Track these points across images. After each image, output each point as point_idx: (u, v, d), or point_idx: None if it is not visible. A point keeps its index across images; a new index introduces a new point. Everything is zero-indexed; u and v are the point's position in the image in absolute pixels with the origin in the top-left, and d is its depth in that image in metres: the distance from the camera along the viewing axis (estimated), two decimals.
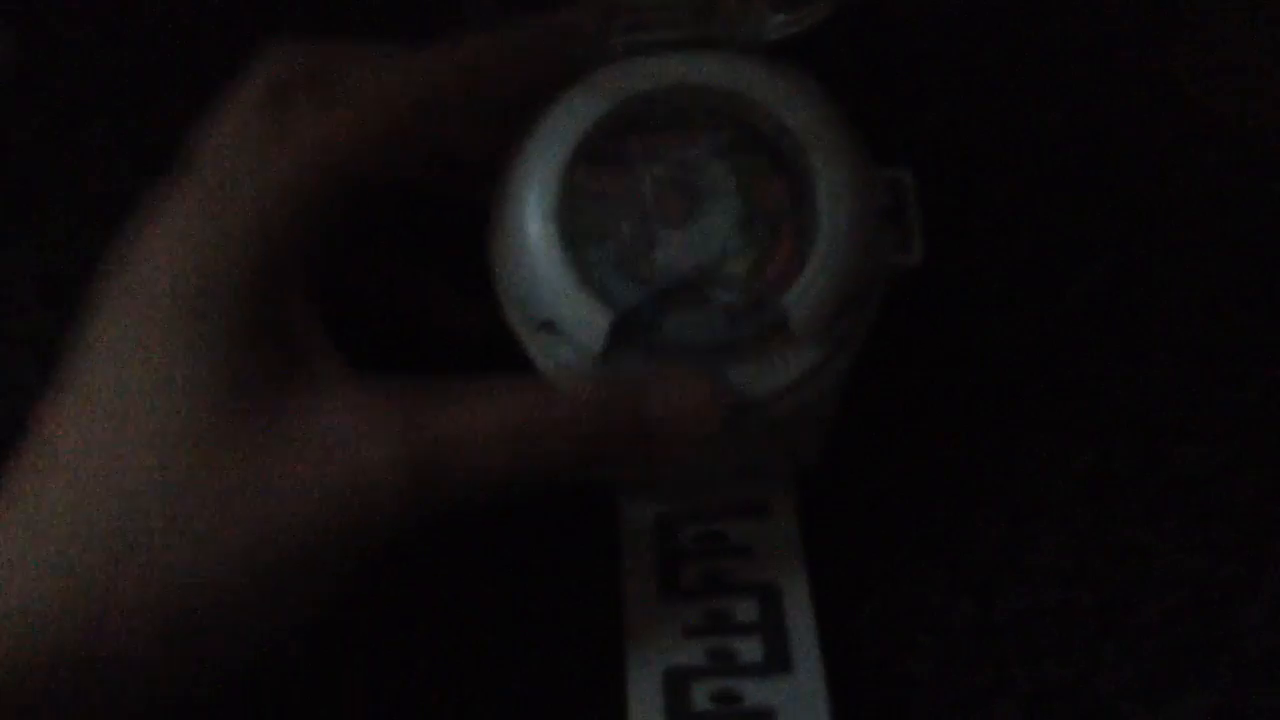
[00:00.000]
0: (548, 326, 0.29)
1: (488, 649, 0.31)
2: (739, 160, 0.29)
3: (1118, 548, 0.32)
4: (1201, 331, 0.34)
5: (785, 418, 0.29)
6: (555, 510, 0.32)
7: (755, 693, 0.29)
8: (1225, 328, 0.33)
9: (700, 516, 0.32)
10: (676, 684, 0.29)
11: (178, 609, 0.25)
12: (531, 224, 0.29)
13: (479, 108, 0.29)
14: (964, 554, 0.32)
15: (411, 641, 0.31)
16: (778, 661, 0.29)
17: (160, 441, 0.25)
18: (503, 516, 0.32)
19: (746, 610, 0.30)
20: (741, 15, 0.30)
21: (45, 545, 0.25)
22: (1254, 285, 0.34)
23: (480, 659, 0.31)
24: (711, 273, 0.29)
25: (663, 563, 0.31)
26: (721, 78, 0.29)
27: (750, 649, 0.30)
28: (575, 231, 0.29)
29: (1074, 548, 0.32)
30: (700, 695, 0.29)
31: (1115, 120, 0.36)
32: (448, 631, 0.31)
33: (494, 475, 0.27)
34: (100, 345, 0.26)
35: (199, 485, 0.25)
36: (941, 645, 0.31)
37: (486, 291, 0.30)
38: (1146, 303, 0.34)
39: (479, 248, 0.30)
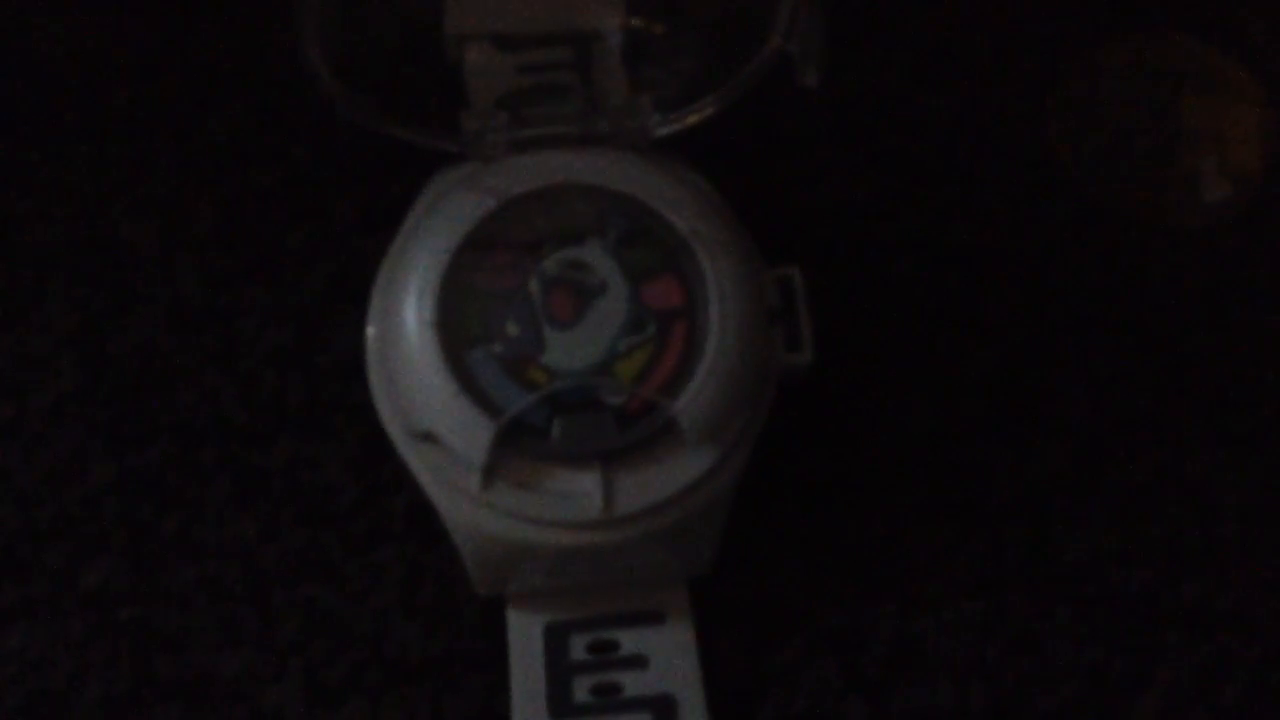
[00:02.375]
0: (427, 437, 0.27)
1: None
2: (629, 258, 0.28)
3: (1010, 640, 0.30)
4: (1088, 416, 0.33)
5: (680, 522, 0.27)
6: (439, 620, 0.30)
7: None
8: (1111, 412, 0.33)
9: (593, 624, 0.30)
10: None
11: None
12: (409, 329, 0.27)
13: None
14: (859, 652, 0.30)
15: None
16: None
17: None
18: (383, 628, 0.30)
19: None
20: (627, 112, 0.29)
21: None
22: (1139, 369, 0.33)
23: None
24: (601, 375, 0.27)
25: (553, 676, 0.29)
26: (606, 176, 0.28)
27: None
28: (457, 335, 0.27)
29: (966, 641, 0.31)
30: None
31: (1002, 203, 0.35)
32: None
33: None
34: None
35: None
36: None
37: None
38: (1034, 386, 0.33)
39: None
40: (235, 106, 0.35)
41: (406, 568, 0.31)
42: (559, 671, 0.29)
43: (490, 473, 0.26)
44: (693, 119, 0.29)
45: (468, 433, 0.26)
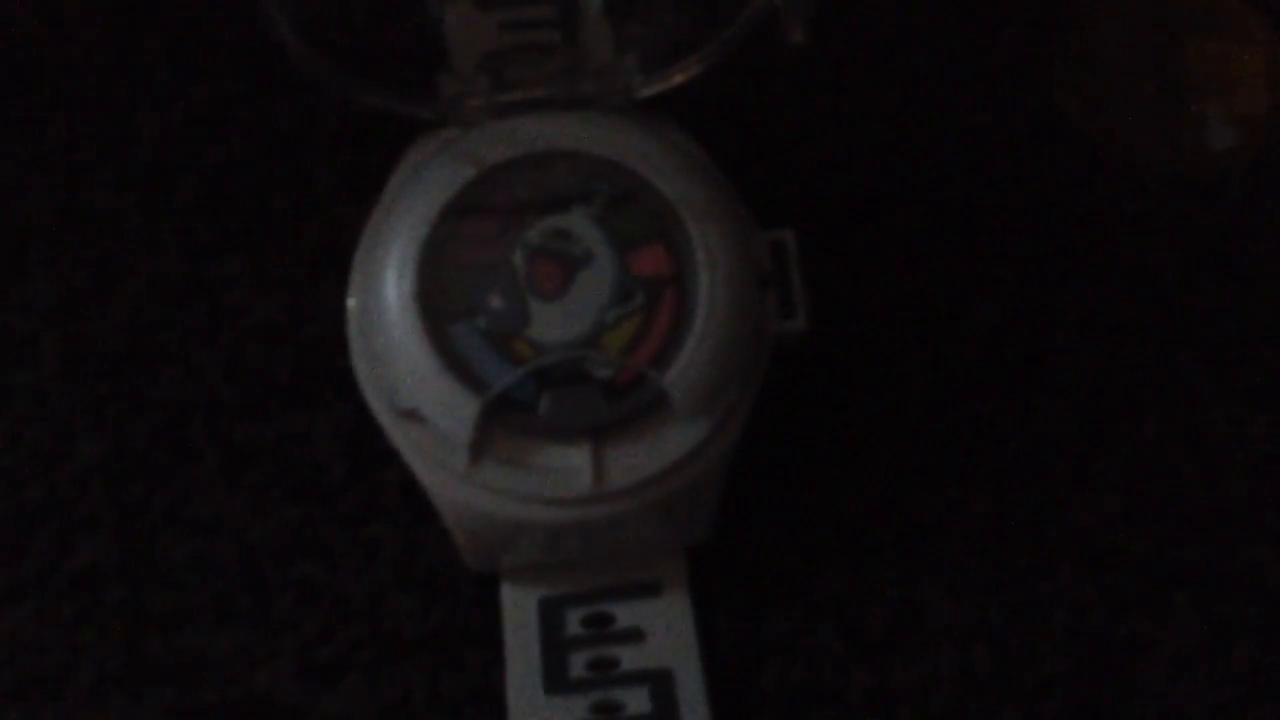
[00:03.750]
0: (412, 415, 0.25)
1: None
2: (615, 226, 0.26)
3: (1015, 604, 0.29)
4: (1093, 372, 0.31)
5: (672, 496, 0.26)
6: (434, 595, 0.29)
7: None
8: (1117, 368, 0.31)
9: (588, 598, 0.28)
10: None
11: None
12: (390, 304, 0.25)
13: None
14: (860, 619, 0.29)
15: None
16: None
17: None
18: (377, 604, 0.29)
19: (638, 700, 0.27)
20: (610, 73, 0.27)
21: None
22: (1145, 324, 0.32)
23: None
24: (588, 347, 0.26)
25: (548, 652, 0.28)
26: (590, 141, 0.26)
27: None
28: (440, 309, 0.26)
29: (970, 605, 0.29)
30: None
31: (1002, 155, 0.33)
32: None
33: None
34: None
35: None
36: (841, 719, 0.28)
37: None
38: (1037, 344, 0.32)
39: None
40: (215, 71, 0.34)
41: (400, 543, 0.30)
42: (554, 647, 0.28)
43: (477, 450, 0.25)
44: (678, 78, 0.27)
45: (452, 410, 0.25)
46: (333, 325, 0.31)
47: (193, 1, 0.35)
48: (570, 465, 0.26)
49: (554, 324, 0.26)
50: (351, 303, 0.27)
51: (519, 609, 0.28)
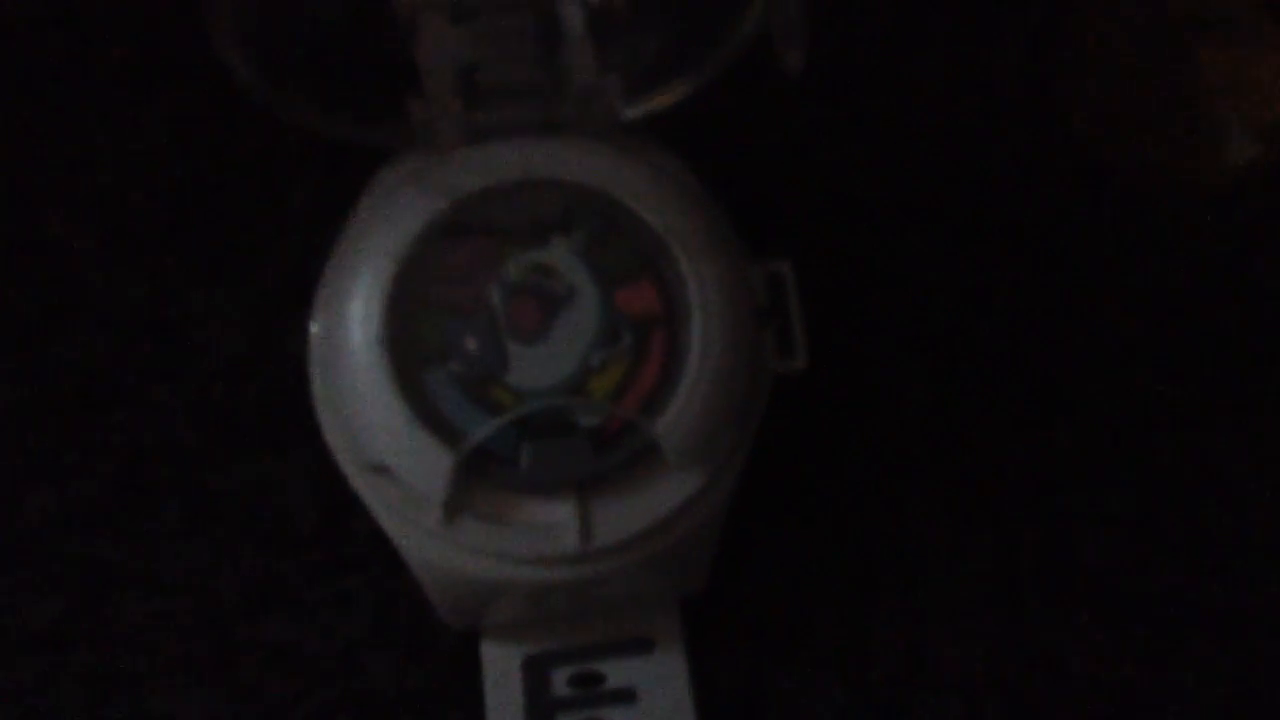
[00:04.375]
0: (381, 470, 0.23)
1: None
2: (599, 261, 0.24)
3: (1028, 652, 0.28)
4: (1104, 401, 0.29)
5: (666, 551, 0.24)
6: (412, 653, 0.27)
7: None
8: (1130, 394, 0.29)
9: (575, 656, 0.26)
10: None
11: None
12: (355, 349, 0.23)
13: None
14: (863, 670, 0.27)
15: None
16: None
17: None
18: (352, 664, 0.27)
19: None
20: (592, 95, 0.25)
21: None
22: (1160, 346, 0.30)
23: None
24: (572, 394, 0.24)
25: (533, 714, 0.26)
26: (571, 168, 0.24)
27: None
28: (409, 354, 0.23)
29: (981, 654, 0.28)
30: None
31: (1006, 168, 0.31)
32: None
33: None
34: None
35: None
36: None
37: None
38: (1045, 370, 0.30)
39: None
40: (176, 88, 0.32)
41: (375, 596, 0.28)
42: (540, 709, 0.26)
43: (453, 507, 0.23)
44: (665, 101, 0.25)
45: (425, 465, 0.23)
46: (302, 360, 0.29)
47: (153, 14, 0.33)
48: (555, 522, 0.24)
49: (534, 369, 0.24)
50: (314, 329, 0.25)
51: (501, 668, 0.26)
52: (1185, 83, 0.32)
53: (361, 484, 0.24)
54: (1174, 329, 0.30)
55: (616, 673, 0.26)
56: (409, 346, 0.23)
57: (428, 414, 0.23)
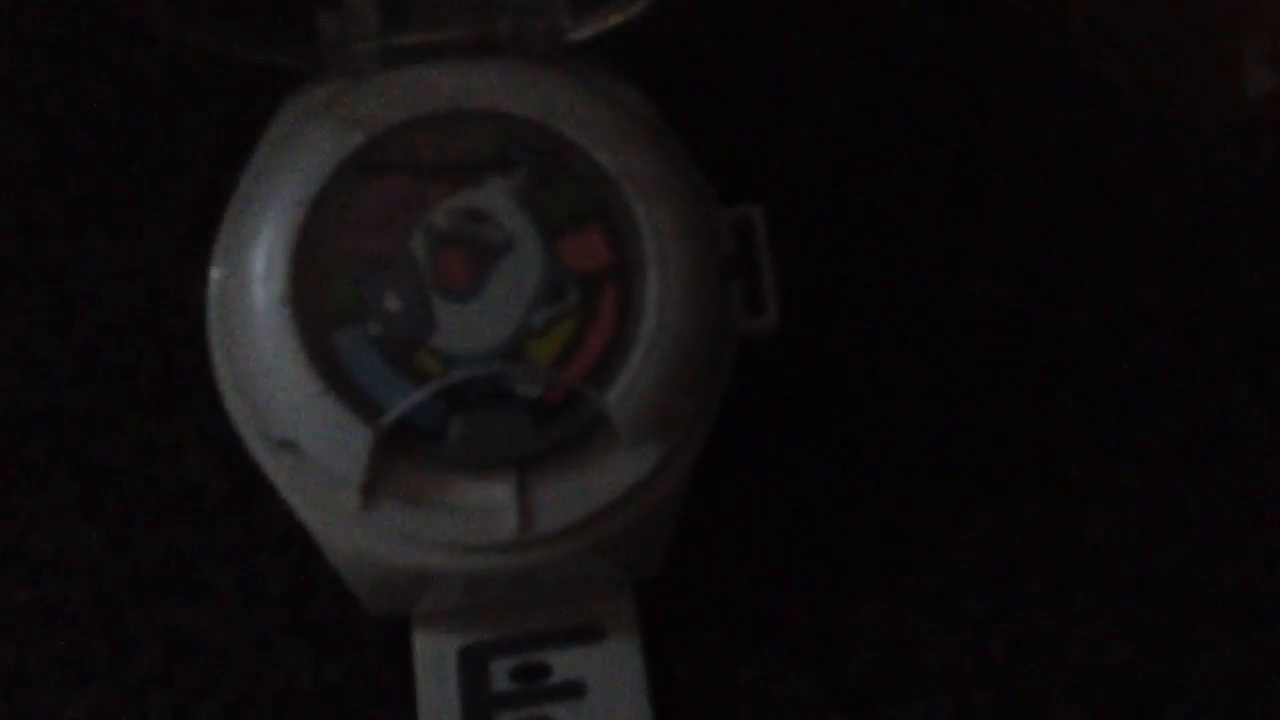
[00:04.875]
0: (289, 447, 0.20)
1: None
2: (541, 205, 0.21)
3: (1021, 640, 0.25)
4: (1111, 365, 0.27)
5: (616, 536, 0.22)
6: (333, 642, 0.25)
7: None
8: (1138, 359, 0.27)
9: (518, 646, 0.24)
10: None
11: None
12: (257, 310, 0.20)
13: None
14: (841, 663, 0.25)
15: None
16: None
17: None
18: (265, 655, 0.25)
19: None
20: (533, 8, 0.22)
21: None
22: (1171, 304, 0.27)
23: None
24: (510, 359, 0.21)
25: (470, 712, 0.24)
26: (508, 97, 0.21)
27: None
28: (320, 314, 0.21)
29: (970, 643, 0.25)
30: None
31: (1007, 105, 0.28)
32: None
33: None
34: None
35: None
36: None
37: None
38: (1046, 332, 0.27)
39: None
40: (53, 7, 0.28)
41: (291, 578, 0.25)
42: (478, 706, 0.24)
43: (372, 489, 0.20)
44: (618, 18, 0.22)
45: (339, 442, 0.20)
46: (203, 314, 0.26)
47: None
48: (490, 504, 0.21)
49: (466, 330, 0.21)
50: (215, 274, 0.22)
51: (434, 660, 0.24)
52: (1200, 6, 0.29)
53: (268, 462, 0.21)
54: (1187, 284, 0.28)
55: (563, 664, 0.24)
56: (319, 305, 0.21)
57: (342, 383, 0.20)
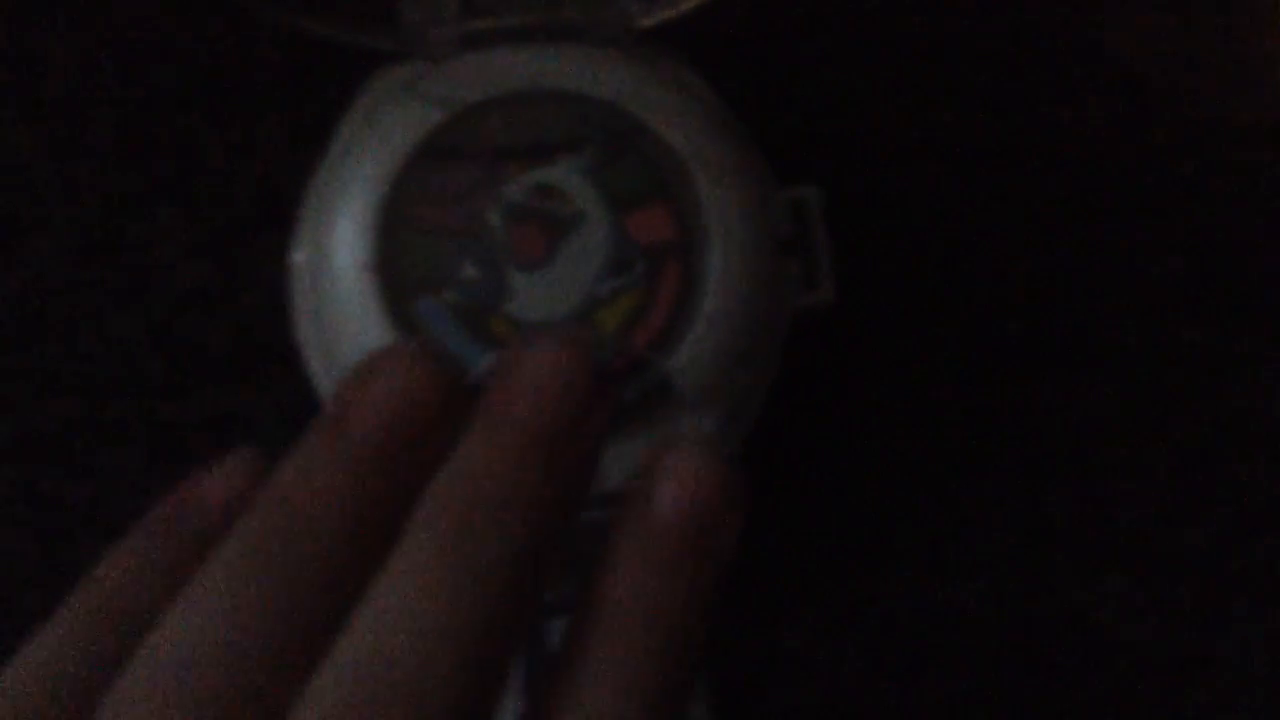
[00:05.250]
0: None
1: None
2: (610, 182, 0.22)
3: (1055, 614, 0.26)
4: (1144, 349, 0.28)
5: None
6: None
7: None
8: (1171, 344, 0.28)
9: (573, 608, 0.25)
10: None
11: None
12: (343, 276, 0.22)
13: None
14: (883, 629, 0.26)
15: None
16: None
17: None
18: None
19: None
20: None
21: None
22: (1204, 292, 0.28)
23: None
24: (578, 326, 0.22)
25: (530, 670, 0.24)
26: (580, 79, 0.22)
27: None
28: (402, 282, 0.22)
29: (1006, 616, 0.26)
30: None
31: (1046, 97, 0.29)
32: None
33: None
34: None
35: None
36: None
37: None
38: (1081, 317, 0.28)
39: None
40: None
41: None
42: (536, 663, 0.25)
43: None
44: (685, 6, 0.23)
45: None
46: (274, 289, 0.27)
47: None
48: None
49: (537, 298, 0.22)
50: (298, 258, 0.23)
51: None
52: (1235, 10, 0.30)
53: None
54: (1216, 273, 0.29)
55: None
56: (401, 274, 0.22)
57: None
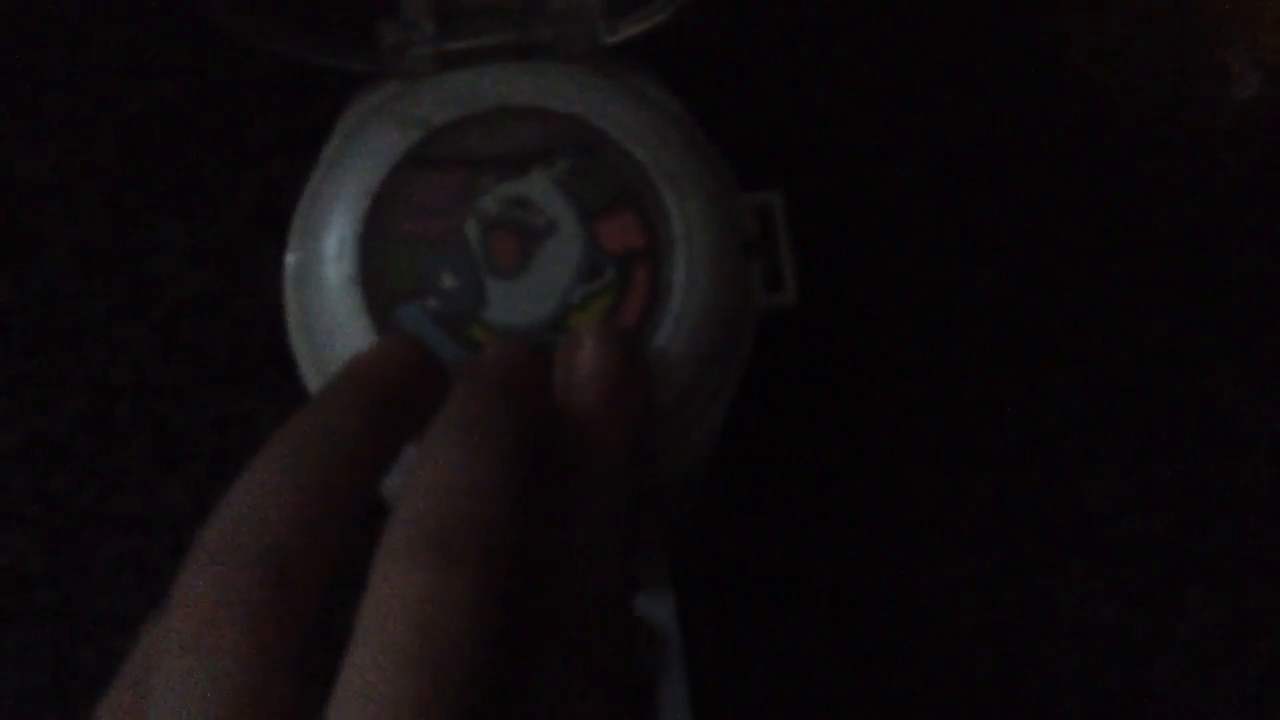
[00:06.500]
0: None
1: None
2: (580, 192, 0.24)
3: (1020, 599, 0.28)
4: (1104, 344, 0.29)
5: (647, 494, 0.24)
6: None
7: None
8: (1129, 339, 0.29)
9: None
10: None
11: None
12: (330, 287, 0.23)
13: None
14: (853, 618, 0.27)
15: None
16: None
17: None
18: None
19: None
20: (571, 17, 0.24)
21: None
22: (1161, 289, 0.30)
23: None
24: (554, 331, 0.23)
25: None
26: (550, 95, 0.24)
27: None
28: (385, 290, 0.23)
29: (973, 600, 0.28)
30: None
31: (1007, 101, 0.31)
32: None
33: None
34: None
35: None
36: None
37: None
38: (1043, 313, 0.29)
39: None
40: (135, 9, 0.31)
41: (360, 539, 0.28)
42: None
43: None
44: (649, 23, 0.24)
45: None
46: (272, 296, 0.28)
47: None
48: None
49: (514, 305, 0.23)
50: (290, 268, 0.24)
51: None
52: (1192, 17, 0.31)
53: None
54: (1175, 270, 0.30)
55: None
56: (384, 283, 0.23)
57: None
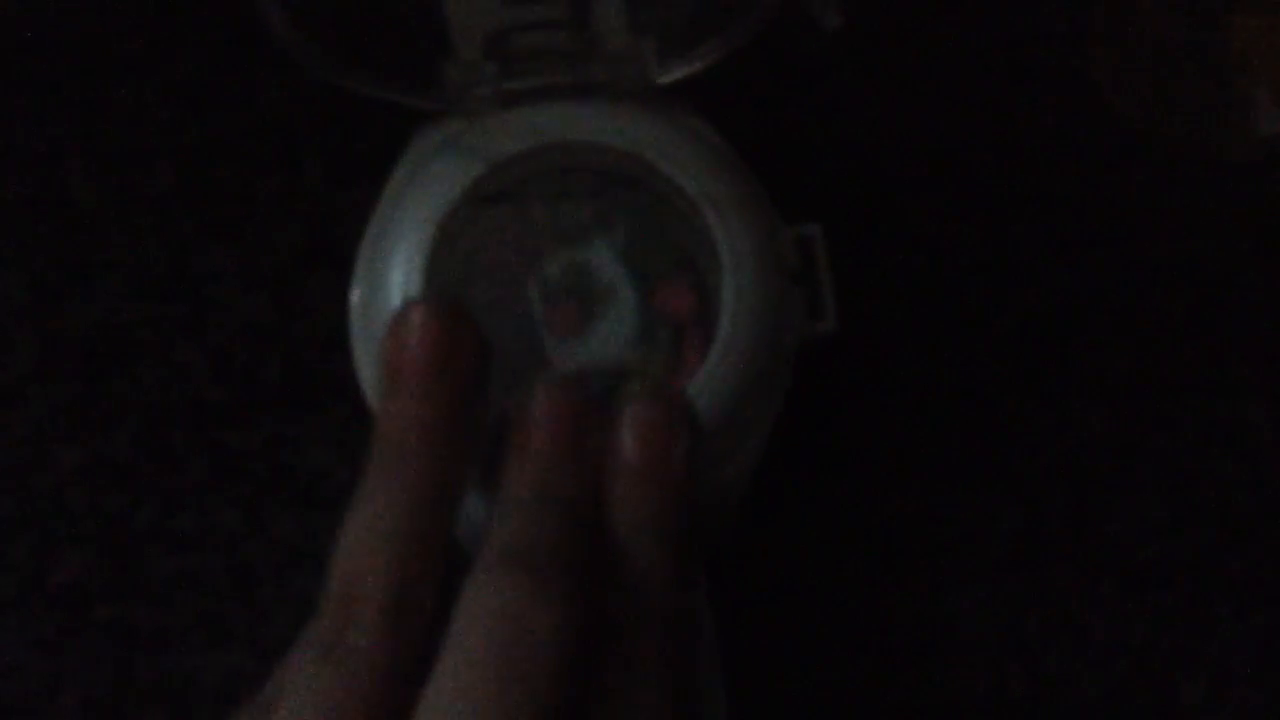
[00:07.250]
0: None
1: None
2: (637, 259, 0.25)
3: (1051, 618, 0.29)
4: (1131, 371, 0.30)
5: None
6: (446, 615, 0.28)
7: None
8: (1156, 366, 0.30)
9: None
10: None
11: None
12: (396, 305, 0.24)
13: None
14: (885, 635, 0.28)
15: None
16: None
17: None
18: None
19: None
20: (624, 58, 0.25)
21: None
22: (1188, 317, 0.31)
23: None
24: (610, 386, 0.24)
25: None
26: (605, 132, 0.25)
27: None
28: None
29: (1004, 621, 0.29)
30: None
31: (1037, 140, 0.32)
32: None
33: None
34: None
35: None
36: None
37: None
38: (1072, 341, 0.31)
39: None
40: (194, 46, 0.32)
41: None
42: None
43: (488, 492, 0.24)
44: (698, 63, 0.25)
45: None
46: (325, 323, 0.30)
47: None
48: None
49: (573, 363, 0.24)
50: (355, 297, 0.26)
51: None
52: (1216, 53, 0.32)
53: None
54: (1203, 299, 0.31)
55: None
56: None
57: None
